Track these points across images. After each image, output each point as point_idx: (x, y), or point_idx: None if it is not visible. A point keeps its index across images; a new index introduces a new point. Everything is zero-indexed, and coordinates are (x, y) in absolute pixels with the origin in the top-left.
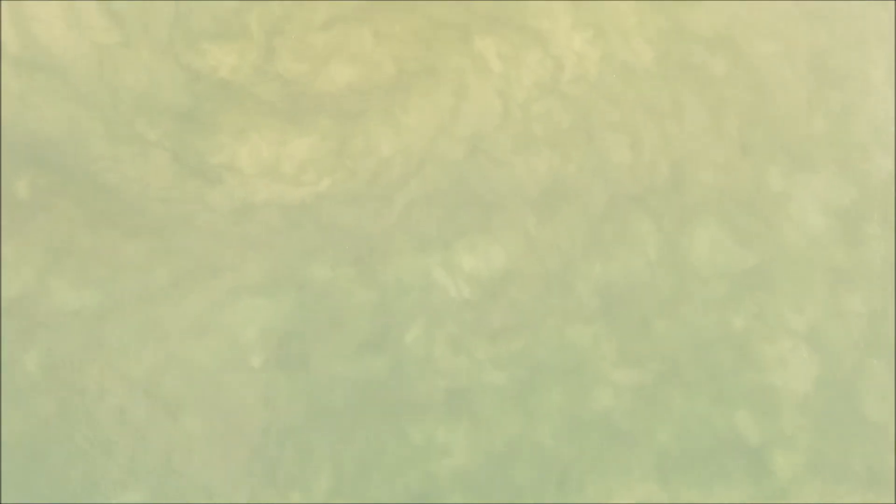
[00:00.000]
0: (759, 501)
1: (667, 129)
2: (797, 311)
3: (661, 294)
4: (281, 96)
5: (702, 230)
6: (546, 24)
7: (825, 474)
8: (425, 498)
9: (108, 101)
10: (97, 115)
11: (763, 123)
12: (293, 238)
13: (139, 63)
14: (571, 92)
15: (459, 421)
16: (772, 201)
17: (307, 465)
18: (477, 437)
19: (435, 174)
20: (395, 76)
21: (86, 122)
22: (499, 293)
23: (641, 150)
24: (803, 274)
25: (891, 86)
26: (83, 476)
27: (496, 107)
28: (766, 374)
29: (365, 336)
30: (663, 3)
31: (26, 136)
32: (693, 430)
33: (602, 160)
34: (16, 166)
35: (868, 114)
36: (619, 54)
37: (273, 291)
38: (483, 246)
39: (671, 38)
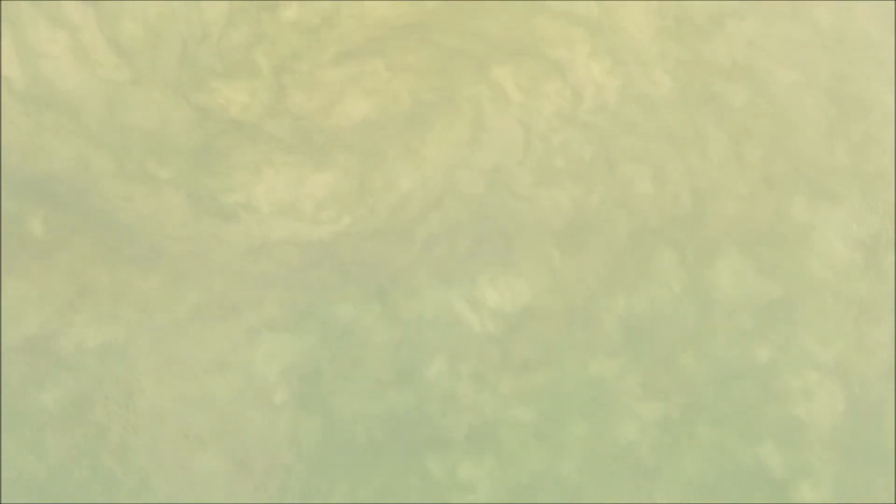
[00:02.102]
0: None
1: (688, 160)
2: (822, 343)
3: (686, 327)
4: (294, 133)
5: (725, 262)
6: (564, 53)
7: None
8: None
9: (119, 140)
10: (108, 154)
11: (785, 154)
12: (313, 275)
13: (149, 101)
14: (592, 122)
15: (483, 456)
16: (795, 232)
17: (329, 502)
18: (500, 472)
19: (456, 208)
20: (411, 108)
21: (97, 160)
22: (522, 327)
23: (663, 181)
24: (828, 305)
25: None
26: None
27: (516, 138)
28: (791, 406)
29: (387, 372)
30: (681, 33)
31: (37, 174)
32: (718, 463)
33: (624, 192)
34: (29, 204)
35: (889, 142)
36: (638, 84)
37: (294, 328)
38: (506, 280)
39: (690, 67)
